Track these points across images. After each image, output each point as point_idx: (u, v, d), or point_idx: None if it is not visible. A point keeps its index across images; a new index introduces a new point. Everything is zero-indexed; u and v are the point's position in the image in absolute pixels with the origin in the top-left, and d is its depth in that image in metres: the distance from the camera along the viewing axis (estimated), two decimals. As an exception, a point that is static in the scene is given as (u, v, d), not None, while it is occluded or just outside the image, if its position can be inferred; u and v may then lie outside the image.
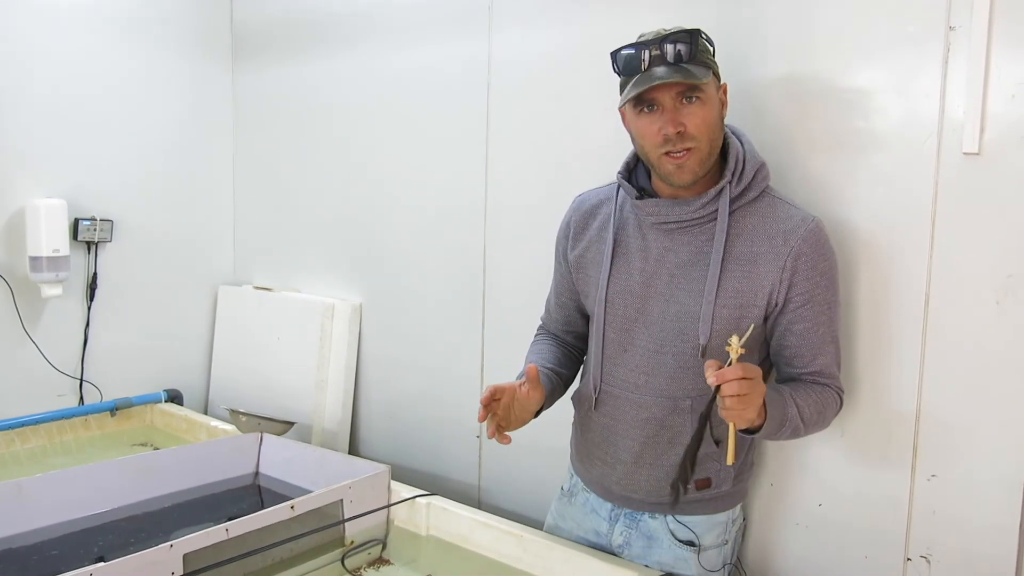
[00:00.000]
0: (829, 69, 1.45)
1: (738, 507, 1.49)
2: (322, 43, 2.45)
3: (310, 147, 2.54)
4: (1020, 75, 1.26)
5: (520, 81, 1.96)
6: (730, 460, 1.20)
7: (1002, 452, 1.31)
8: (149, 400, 2.56)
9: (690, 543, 1.43)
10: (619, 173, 1.43)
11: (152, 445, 2.39)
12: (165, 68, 2.60)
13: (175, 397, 2.62)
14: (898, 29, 1.37)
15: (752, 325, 1.24)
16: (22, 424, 2.26)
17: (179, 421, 2.49)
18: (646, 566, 1.44)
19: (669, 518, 1.44)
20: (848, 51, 1.43)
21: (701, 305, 1.32)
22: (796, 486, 1.54)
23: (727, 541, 1.46)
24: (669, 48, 1.25)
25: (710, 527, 1.44)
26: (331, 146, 2.46)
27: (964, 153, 1.31)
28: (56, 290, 2.32)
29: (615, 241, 1.43)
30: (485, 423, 1.35)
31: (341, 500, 1.70)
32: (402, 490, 1.81)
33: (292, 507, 1.59)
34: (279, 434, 2.21)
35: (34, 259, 2.26)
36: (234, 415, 2.25)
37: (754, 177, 1.34)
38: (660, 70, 1.25)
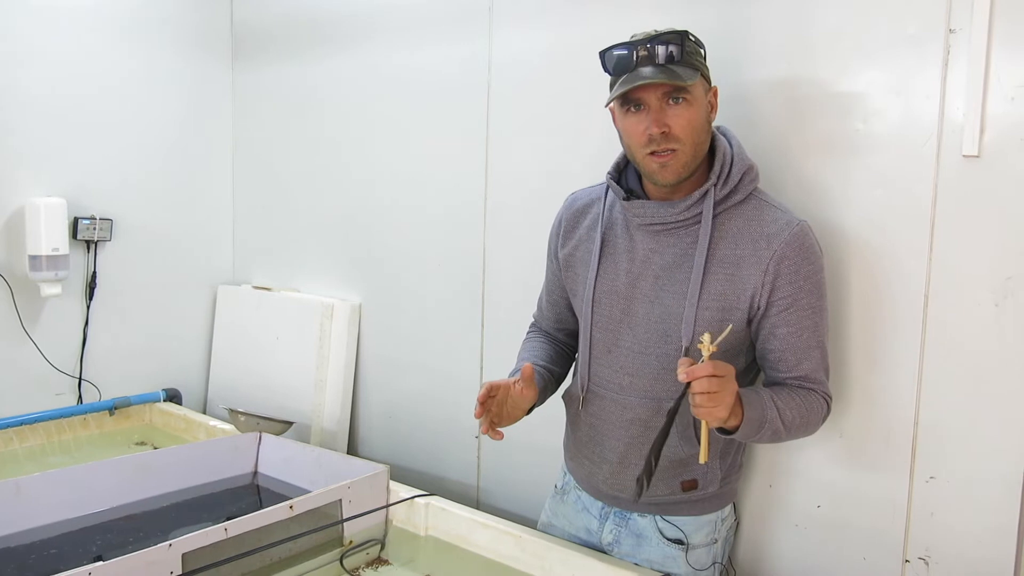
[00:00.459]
0: (829, 70, 1.45)
1: (728, 507, 1.49)
2: (322, 43, 2.45)
3: (310, 147, 2.54)
4: (1020, 77, 1.26)
5: (520, 81, 1.96)
6: (703, 458, 1.21)
7: (1001, 454, 1.31)
8: (148, 399, 2.56)
9: (678, 541, 1.44)
10: (608, 174, 1.44)
11: (151, 444, 2.39)
12: (165, 67, 2.60)
13: (174, 396, 2.62)
14: (898, 31, 1.37)
15: (729, 326, 1.24)
16: (21, 423, 2.26)
17: (178, 420, 2.49)
18: (639, 564, 1.45)
19: (658, 517, 1.45)
20: (848, 53, 1.43)
21: (684, 307, 1.33)
22: (795, 488, 1.54)
23: (716, 540, 1.47)
24: (658, 49, 1.26)
25: (699, 526, 1.44)
26: (331, 146, 2.46)
27: (964, 155, 1.31)
28: (55, 289, 2.32)
29: (603, 241, 1.44)
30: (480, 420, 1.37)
31: (340, 500, 1.70)
32: (401, 490, 1.81)
33: (291, 507, 1.59)
34: (278, 434, 2.21)
35: (33, 258, 2.26)
36: (233, 415, 2.25)
37: (741, 179, 1.34)
38: (647, 70, 1.26)
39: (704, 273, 1.31)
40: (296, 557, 1.60)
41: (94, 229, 2.42)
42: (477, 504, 2.09)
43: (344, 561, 1.66)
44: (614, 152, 1.47)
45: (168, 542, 1.38)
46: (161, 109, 2.60)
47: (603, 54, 1.32)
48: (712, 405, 1.16)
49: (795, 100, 1.49)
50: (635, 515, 1.47)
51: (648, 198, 1.39)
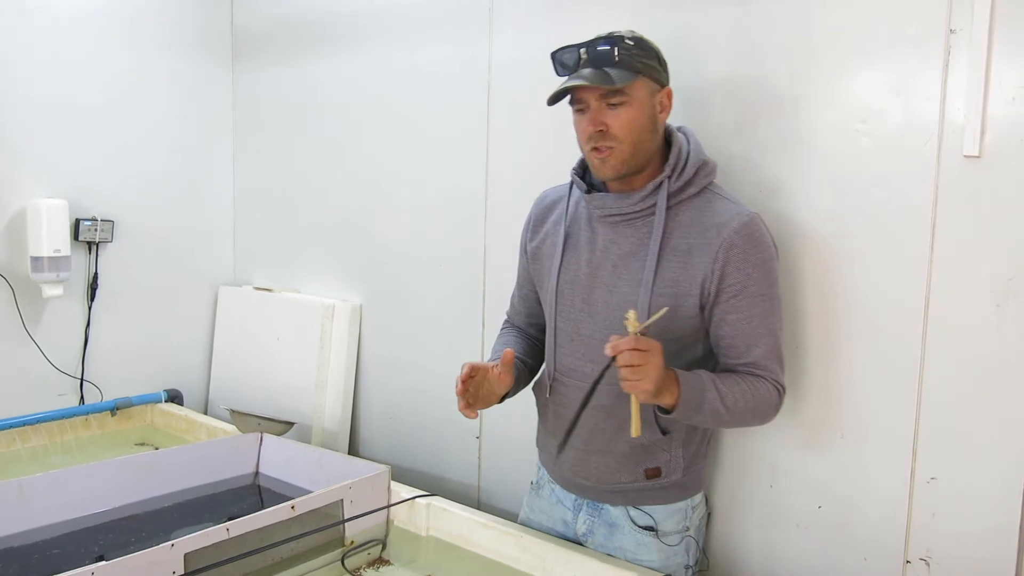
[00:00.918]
0: (829, 71, 1.45)
1: (699, 496, 1.52)
2: (322, 44, 2.45)
3: (310, 148, 2.54)
4: (1020, 78, 1.26)
5: (520, 82, 1.96)
6: (634, 432, 1.27)
7: (1002, 455, 1.31)
8: (149, 400, 2.56)
9: (649, 528, 1.47)
10: (573, 170, 1.50)
11: (152, 445, 2.39)
12: (166, 69, 2.60)
13: (175, 397, 2.62)
14: (899, 32, 1.37)
15: (664, 309, 1.27)
16: (23, 423, 2.27)
17: (179, 421, 2.49)
18: (639, 564, 1.46)
19: (629, 507, 1.48)
20: (848, 53, 1.43)
21: (639, 294, 1.36)
22: (795, 488, 1.55)
23: (688, 528, 1.50)
24: (594, 52, 1.33)
25: (669, 514, 1.48)
26: (331, 146, 2.46)
27: (964, 156, 1.31)
28: (57, 290, 2.32)
29: (567, 234, 1.50)
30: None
31: (341, 500, 1.70)
32: (402, 490, 1.81)
33: (292, 507, 1.60)
34: (279, 434, 2.21)
35: (35, 259, 2.27)
36: (234, 415, 2.25)
37: (696, 174, 1.39)
38: (585, 72, 1.33)
39: (658, 261, 1.37)
40: (298, 557, 1.61)
41: (95, 230, 2.43)
42: (478, 504, 2.09)
43: (345, 561, 1.67)
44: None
45: (170, 542, 1.38)
46: (162, 111, 2.60)
47: (552, 55, 1.39)
48: (636, 378, 1.22)
49: (793, 102, 1.49)
50: (607, 506, 1.51)
51: (609, 192, 1.44)
